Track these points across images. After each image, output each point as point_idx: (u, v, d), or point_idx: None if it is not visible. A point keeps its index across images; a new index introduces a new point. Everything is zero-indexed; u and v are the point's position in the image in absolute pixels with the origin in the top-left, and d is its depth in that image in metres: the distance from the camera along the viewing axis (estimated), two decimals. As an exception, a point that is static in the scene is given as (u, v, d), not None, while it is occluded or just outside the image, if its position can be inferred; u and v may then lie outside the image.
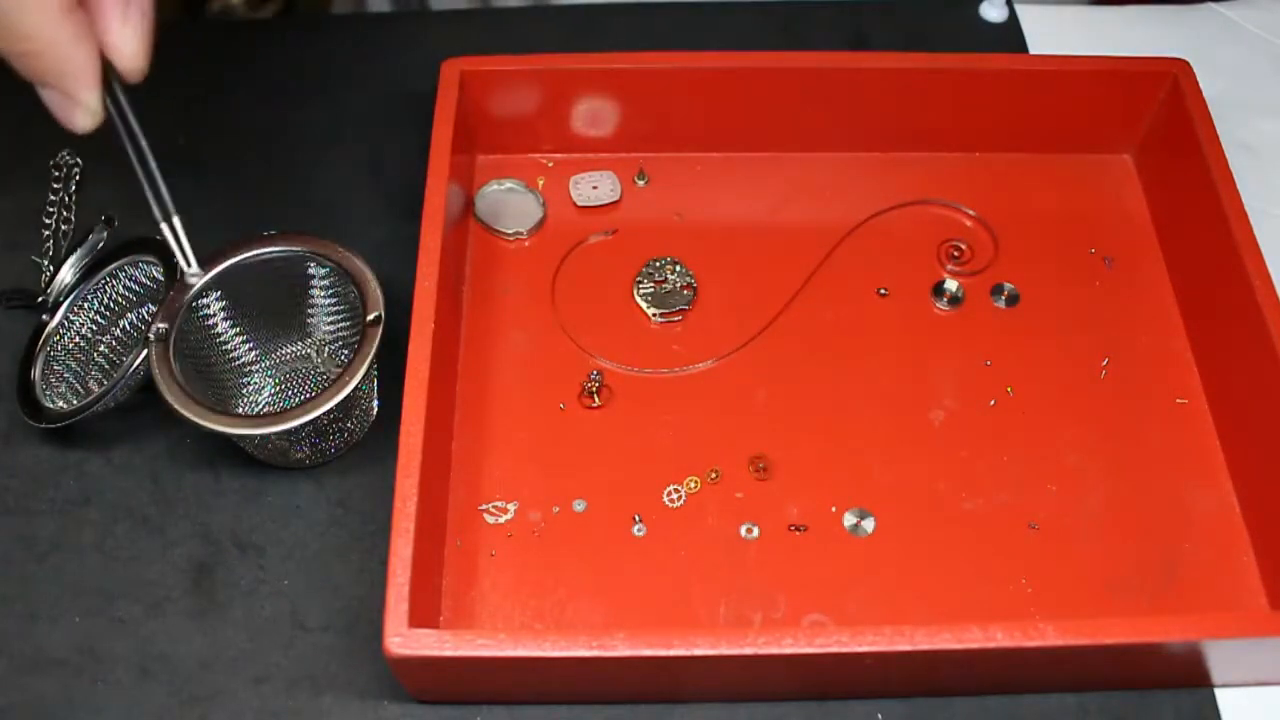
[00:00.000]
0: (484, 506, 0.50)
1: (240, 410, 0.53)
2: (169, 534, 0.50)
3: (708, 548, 0.50)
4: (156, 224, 0.47)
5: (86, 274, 0.54)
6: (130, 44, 0.40)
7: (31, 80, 0.39)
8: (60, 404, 0.51)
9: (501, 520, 0.50)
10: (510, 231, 0.58)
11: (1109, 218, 0.60)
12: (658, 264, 0.57)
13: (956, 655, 0.42)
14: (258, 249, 0.51)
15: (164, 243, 0.52)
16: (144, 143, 0.44)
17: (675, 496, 0.51)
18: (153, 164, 0.45)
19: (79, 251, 0.54)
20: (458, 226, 0.56)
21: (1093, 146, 0.61)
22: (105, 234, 0.54)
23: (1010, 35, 0.67)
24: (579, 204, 0.59)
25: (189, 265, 0.49)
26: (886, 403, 0.54)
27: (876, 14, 0.68)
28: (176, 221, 0.47)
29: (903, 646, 0.41)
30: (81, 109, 0.40)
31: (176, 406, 0.47)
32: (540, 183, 0.60)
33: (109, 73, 0.41)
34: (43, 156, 0.61)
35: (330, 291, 0.53)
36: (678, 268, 0.57)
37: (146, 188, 0.45)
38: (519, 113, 0.58)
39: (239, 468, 0.52)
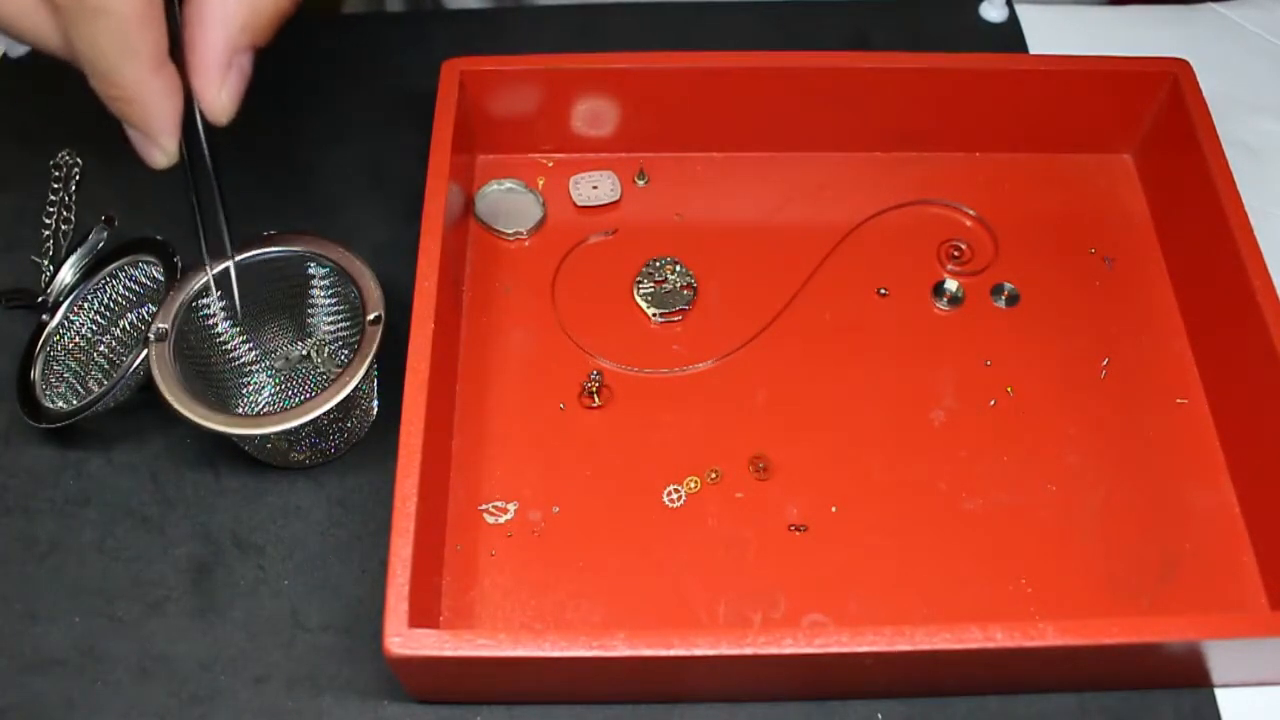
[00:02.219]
0: (484, 506, 0.50)
1: (240, 410, 0.53)
2: (169, 534, 0.50)
3: (708, 548, 0.50)
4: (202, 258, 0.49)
5: (86, 274, 0.54)
6: (222, 103, 0.43)
7: (120, 120, 0.43)
8: (60, 404, 0.51)
9: (501, 520, 0.50)
10: (510, 231, 0.58)
11: (1109, 218, 0.60)
12: (658, 264, 0.57)
13: (956, 655, 0.42)
14: (258, 249, 0.51)
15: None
16: (215, 181, 0.47)
17: (675, 496, 0.51)
18: (220, 202, 0.47)
19: (79, 251, 0.54)
20: (458, 226, 0.56)
21: (1093, 146, 0.61)
22: (105, 234, 0.54)
23: (1010, 35, 0.67)
24: (579, 204, 0.59)
25: (236, 314, 0.50)
26: (886, 403, 0.54)
27: (876, 14, 0.68)
28: (231, 266, 0.49)
29: (903, 646, 0.41)
30: (160, 151, 0.43)
31: (176, 406, 0.47)
32: (540, 183, 0.60)
33: (196, 109, 0.43)
34: (43, 156, 0.61)
35: (330, 291, 0.53)
36: (678, 268, 0.57)
37: (199, 225, 0.48)
38: (519, 113, 0.58)
39: (239, 468, 0.52)
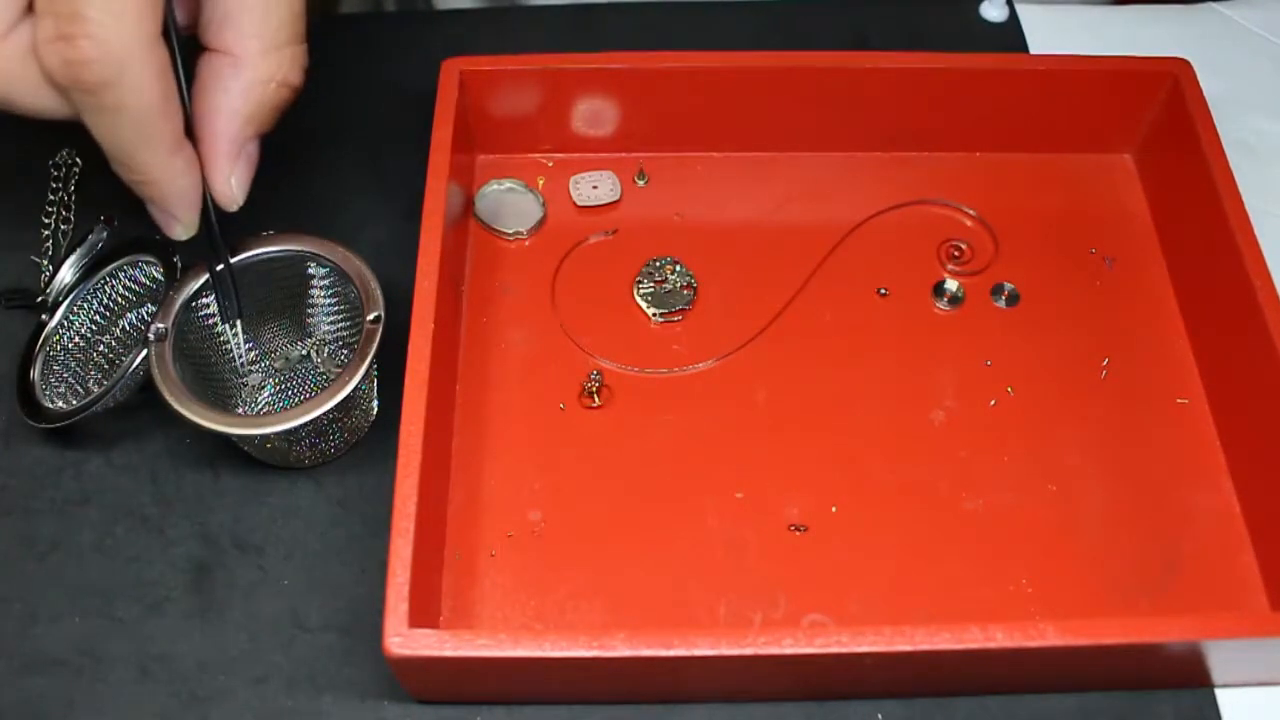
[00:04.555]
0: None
1: (240, 410, 0.53)
2: (169, 534, 0.50)
3: (708, 548, 0.50)
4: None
5: (86, 274, 0.54)
6: (232, 191, 0.45)
7: (140, 198, 0.45)
8: (60, 404, 0.51)
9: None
10: (510, 231, 0.58)
11: (1109, 218, 0.60)
12: (658, 264, 0.57)
13: (956, 655, 0.42)
14: (258, 249, 0.51)
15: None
16: (225, 253, 0.49)
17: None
18: (230, 273, 0.49)
19: (79, 251, 0.54)
20: (458, 226, 0.56)
21: (1093, 146, 0.61)
22: (105, 234, 0.54)
23: (1010, 35, 0.67)
24: (579, 204, 0.59)
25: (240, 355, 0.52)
26: (886, 403, 0.54)
27: (876, 14, 0.68)
28: (239, 323, 0.51)
29: (903, 646, 0.41)
30: (180, 225, 0.46)
31: (176, 406, 0.47)
32: (540, 183, 0.60)
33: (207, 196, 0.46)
34: (43, 156, 0.61)
35: (330, 291, 0.53)
36: (678, 268, 0.57)
37: (218, 290, 0.50)
38: (519, 113, 0.58)
39: (239, 468, 0.52)
